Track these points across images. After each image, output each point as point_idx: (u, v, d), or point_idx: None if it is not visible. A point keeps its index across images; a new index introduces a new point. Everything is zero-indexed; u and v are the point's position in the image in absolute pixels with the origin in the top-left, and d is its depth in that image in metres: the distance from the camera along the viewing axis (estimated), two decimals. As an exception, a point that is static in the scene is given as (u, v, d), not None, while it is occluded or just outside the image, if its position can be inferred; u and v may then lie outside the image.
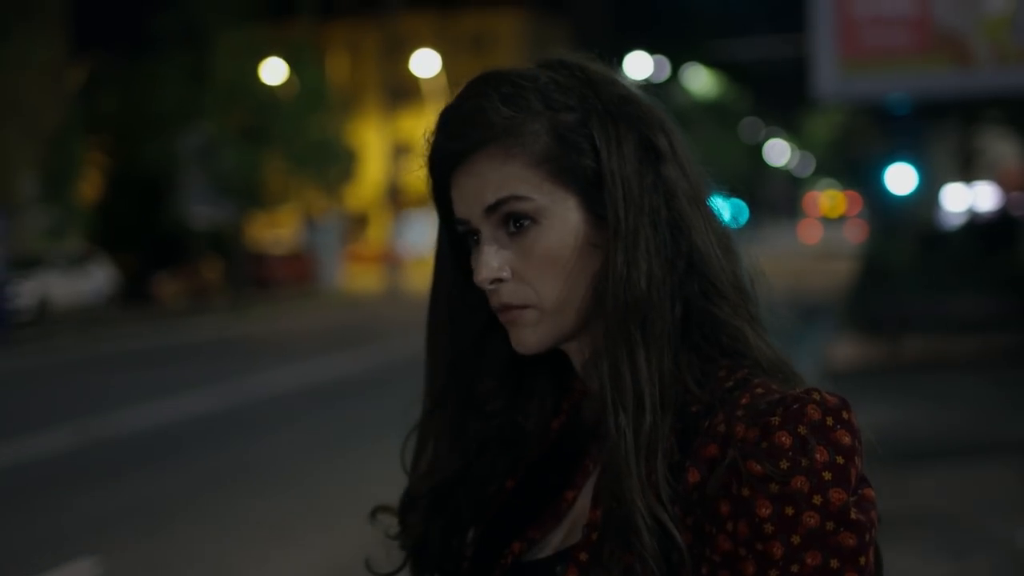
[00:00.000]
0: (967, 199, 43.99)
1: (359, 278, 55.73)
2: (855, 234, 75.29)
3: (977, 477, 10.27)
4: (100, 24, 51.69)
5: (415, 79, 69.11)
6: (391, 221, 50.77)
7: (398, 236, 51.56)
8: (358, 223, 76.19)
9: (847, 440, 1.49)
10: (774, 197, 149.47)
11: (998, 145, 40.44)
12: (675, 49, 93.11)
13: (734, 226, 1.84)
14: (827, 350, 20.09)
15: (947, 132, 37.52)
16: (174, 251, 43.11)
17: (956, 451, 11.38)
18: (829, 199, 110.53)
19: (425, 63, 59.46)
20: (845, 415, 1.51)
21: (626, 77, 1.77)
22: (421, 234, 77.61)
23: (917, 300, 20.34)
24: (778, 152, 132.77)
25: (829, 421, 1.48)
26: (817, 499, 1.43)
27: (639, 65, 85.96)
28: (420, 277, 54.69)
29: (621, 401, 1.52)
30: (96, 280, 34.19)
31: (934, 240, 29.82)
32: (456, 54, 75.00)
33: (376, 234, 73.11)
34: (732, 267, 1.65)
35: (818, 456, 1.45)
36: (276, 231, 58.79)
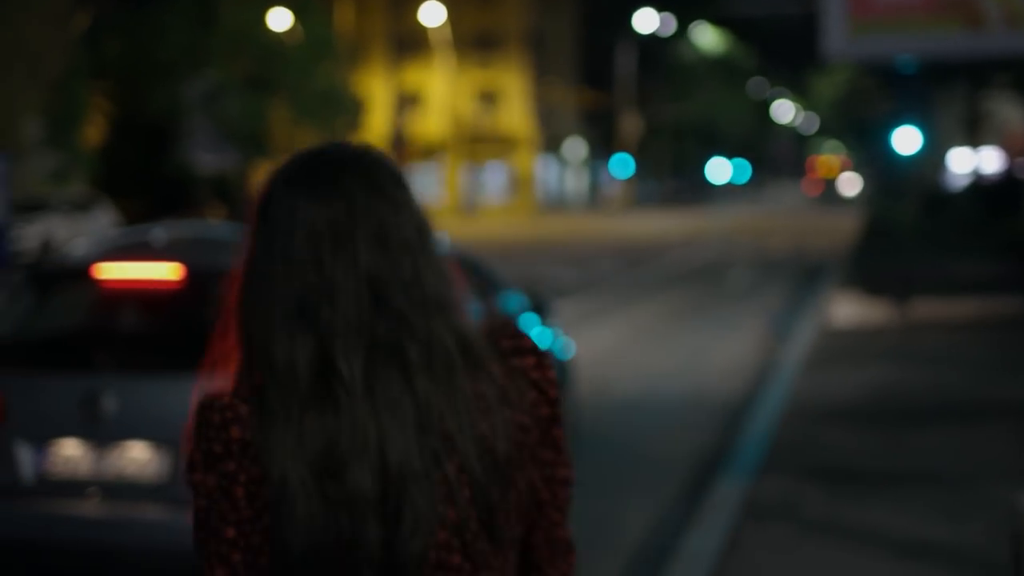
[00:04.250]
0: (972, 162, 43.84)
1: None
2: (847, 186, 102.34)
3: (977, 439, 10.28)
4: (106, -31, 51.29)
5: (420, 30, 68.75)
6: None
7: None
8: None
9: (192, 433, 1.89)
10: (779, 156, 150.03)
11: (1005, 109, 40.32)
12: (683, 5, 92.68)
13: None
14: (829, 309, 20.08)
15: (955, 96, 37.41)
16: (178, 197, 43.09)
17: (956, 412, 11.39)
18: (827, 162, 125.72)
19: (432, 13, 59.18)
20: (197, 416, 1.89)
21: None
22: (426, 187, 77.51)
23: (920, 262, 20.33)
24: (783, 112, 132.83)
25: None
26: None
27: (647, 21, 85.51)
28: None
29: None
30: (100, 224, 34.15)
31: (938, 202, 29.79)
32: (462, 5, 74.71)
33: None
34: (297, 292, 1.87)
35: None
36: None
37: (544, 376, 1.97)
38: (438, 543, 1.84)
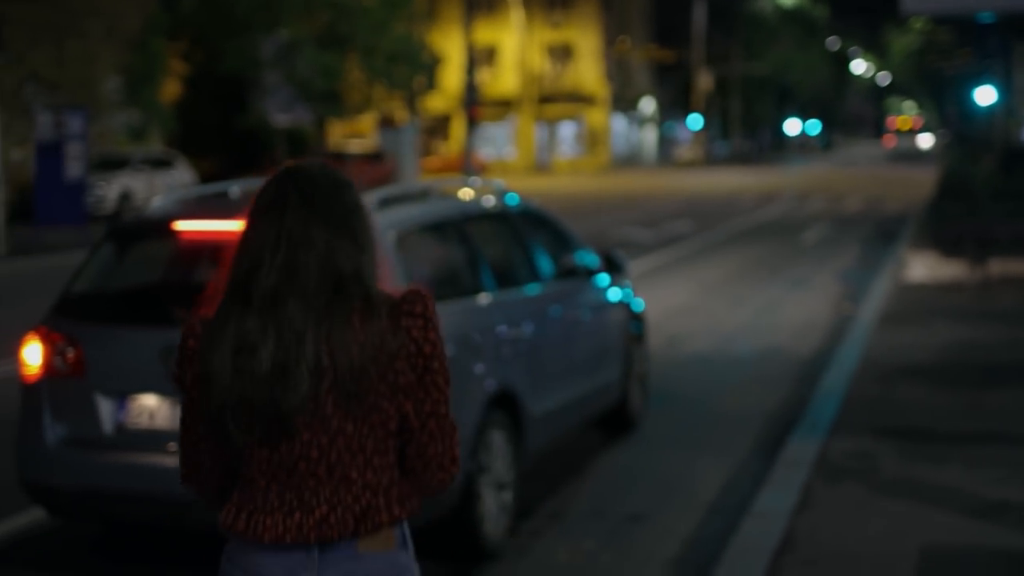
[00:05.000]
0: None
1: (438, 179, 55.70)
2: (923, 141, 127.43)
3: (1053, 399, 10.18)
4: (181, -74, 51.47)
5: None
6: (465, 130, 50.56)
7: (473, 146, 51.34)
8: (437, 130, 76.03)
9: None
10: (856, 113, 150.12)
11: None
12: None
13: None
14: (903, 267, 19.92)
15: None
16: (254, 155, 43.33)
17: (1032, 372, 11.28)
18: (903, 121, 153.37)
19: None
20: (182, 329, 2.88)
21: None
22: (499, 144, 77.44)
23: (997, 219, 20.06)
24: (856, 69, 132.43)
25: None
26: None
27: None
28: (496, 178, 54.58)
29: None
30: (178, 181, 34.44)
31: (1016, 158, 29.28)
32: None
33: (454, 146, 73.10)
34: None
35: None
36: (357, 139, 58.87)
37: (424, 336, 2.81)
38: (311, 405, 2.75)
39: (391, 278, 3.15)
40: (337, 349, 2.72)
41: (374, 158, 46.92)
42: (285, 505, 2.79)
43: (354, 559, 2.79)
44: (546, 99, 78.83)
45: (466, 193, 8.47)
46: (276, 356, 2.72)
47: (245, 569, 2.83)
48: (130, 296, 7.29)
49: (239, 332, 2.75)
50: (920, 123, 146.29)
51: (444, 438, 2.87)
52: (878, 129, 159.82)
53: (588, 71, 79.15)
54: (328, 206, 2.80)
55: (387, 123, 54.70)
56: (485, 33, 72.15)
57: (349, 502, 2.78)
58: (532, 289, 8.24)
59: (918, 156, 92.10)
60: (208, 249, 7.32)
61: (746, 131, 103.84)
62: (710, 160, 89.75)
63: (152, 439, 6.49)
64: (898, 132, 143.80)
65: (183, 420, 2.93)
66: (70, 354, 6.64)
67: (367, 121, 57.90)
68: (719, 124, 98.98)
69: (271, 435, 2.76)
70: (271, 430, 2.76)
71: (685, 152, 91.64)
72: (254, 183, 7.77)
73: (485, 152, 72.07)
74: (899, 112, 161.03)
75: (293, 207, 2.78)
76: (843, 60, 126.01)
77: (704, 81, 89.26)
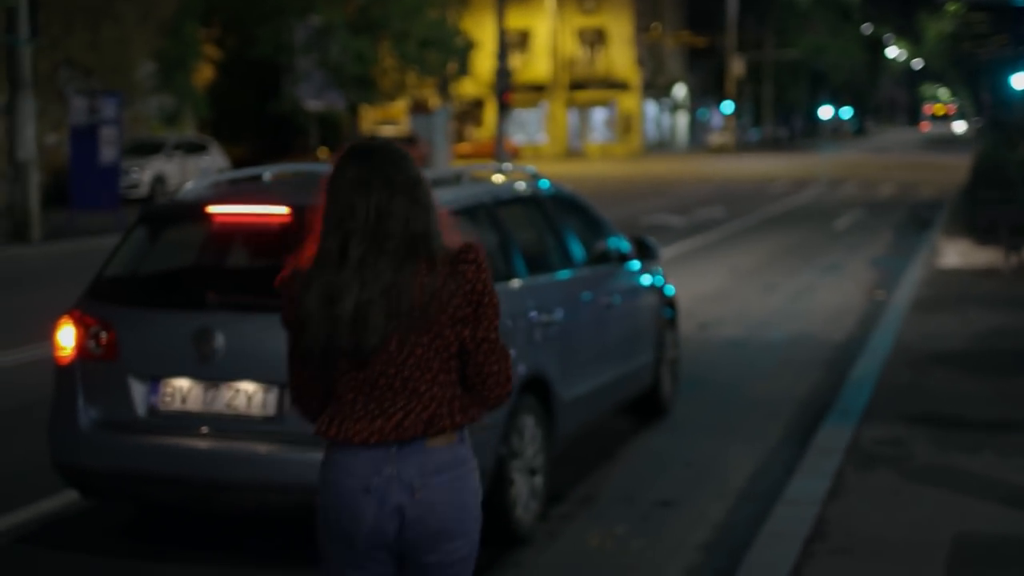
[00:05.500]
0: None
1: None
2: (956, 127, 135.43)
3: (1087, 386, 10.11)
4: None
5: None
6: (497, 116, 50.48)
7: (505, 132, 51.22)
8: (469, 116, 75.95)
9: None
10: (889, 99, 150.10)
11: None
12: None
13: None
14: (936, 254, 19.82)
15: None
16: (287, 140, 43.35)
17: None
18: (939, 108, 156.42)
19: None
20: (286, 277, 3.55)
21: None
22: (531, 131, 77.34)
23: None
24: (890, 55, 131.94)
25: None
26: None
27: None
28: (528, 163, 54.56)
29: None
30: (212, 166, 34.52)
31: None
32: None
33: (486, 131, 73.04)
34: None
35: None
36: (389, 125, 58.84)
37: (477, 277, 3.48)
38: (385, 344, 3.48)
39: (453, 229, 3.57)
40: (406, 295, 3.41)
41: (406, 143, 46.65)
42: (369, 414, 3.50)
43: (423, 452, 3.50)
44: (578, 85, 78.72)
45: (498, 178, 8.46)
46: (358, 304, 3.41)
47: (340, 467, 3.53)
48: (163, 279, 7.31)
49: (328, 285, 3.42)
50: (954, 109, 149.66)
51: (498, 359, 3.55)
52: (912, 115, 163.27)
53: (620, 57, 78.96)
54: (402, 180, 3.46)
55: (419, 108, 54.68)
56: (517, 18, 72.04)
57: (419, 410, 3.49)
58: (564, 274, 8.23)
59: (951, 142, 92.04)
60: (241, 233, 7.34)
61: (778, 117, 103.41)
62: (742, 146, 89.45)
63: (184, 422, 6.52)
64: (933, 118, 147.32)
65: (290, 354, 3.59)
66: (103, 337, 6.67)
67: (399, 106, 57.87)
68: (751, 110, 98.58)
69: (355, 366, 3.47)
70: (354, 363, 3.47)
71: (717, 138, 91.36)
72: (287, 168, 7.76)
73: (517, 138, 72.01)
74: (933, 98, 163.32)
75: (377, 185, 3.43)
76: (876, 46, 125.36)
77: (736, 67, 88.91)
